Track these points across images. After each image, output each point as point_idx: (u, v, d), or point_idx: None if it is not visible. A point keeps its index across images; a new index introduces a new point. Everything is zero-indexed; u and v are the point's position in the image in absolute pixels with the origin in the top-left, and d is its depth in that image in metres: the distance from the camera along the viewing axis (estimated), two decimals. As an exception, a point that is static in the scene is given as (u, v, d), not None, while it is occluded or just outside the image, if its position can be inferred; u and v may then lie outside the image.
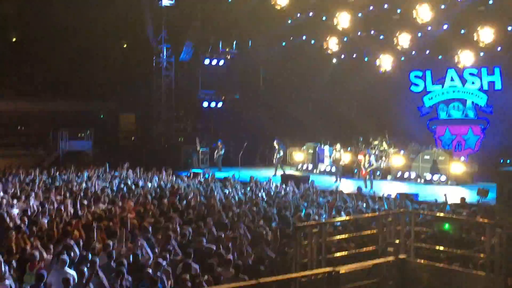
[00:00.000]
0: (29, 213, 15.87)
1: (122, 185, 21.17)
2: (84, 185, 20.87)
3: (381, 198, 19.62)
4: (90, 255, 11.40)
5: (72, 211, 16.04)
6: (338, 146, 26.75)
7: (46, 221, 14.66)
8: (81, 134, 32.46)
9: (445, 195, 17.76)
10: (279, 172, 26.83)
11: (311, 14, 28.08)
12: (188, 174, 25.20)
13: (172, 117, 32.13)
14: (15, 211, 16.04)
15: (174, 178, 23.69)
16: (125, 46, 36.53)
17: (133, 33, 33.73)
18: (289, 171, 28.18)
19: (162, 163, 27.08)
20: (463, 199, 18.57)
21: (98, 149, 33.37)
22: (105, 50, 35.53)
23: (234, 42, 32.73)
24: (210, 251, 12.40)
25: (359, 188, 21.03)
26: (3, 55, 33.68)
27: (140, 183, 22.11)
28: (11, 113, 33.04)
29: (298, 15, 28.41)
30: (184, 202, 17.98)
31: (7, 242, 12.65)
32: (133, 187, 20.81)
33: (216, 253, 12.13)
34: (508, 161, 23.87)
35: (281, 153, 27.77)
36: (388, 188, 22.51)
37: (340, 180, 25.23)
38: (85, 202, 17.13)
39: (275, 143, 27.70)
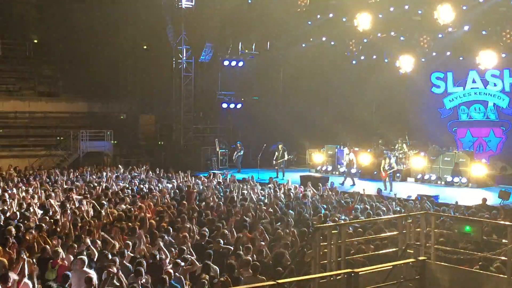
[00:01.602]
0: (50, 213, 16.01)
1: (141, 186, 21.28)
2: (104, 185, 20.99)
3: (401, 200, 19.53)
4: (110, 255, 11.47)
5: (92, 211, 16.15)
6: (346, 149, 26.80)
7: (66, 221, 14.77)
8: (101, 134, 32.65)
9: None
10: (282, 176, 26.73)
11: (331, 15, 27.98)
12: (208, 175, 25.25)
13: (191, 118, 32.20)
14: (37, 210, 16.18)
15: (194, 179, 23.74)
16: (145, 47, 36.71)
17: (153, 35, 33.89)
18: (309, 173, 28.17)
19: (181, 164, 27.13)
20: (484, 199, 18.39)
21: (118, 149, 33.57)
22: (125, 51, 35.76)
23: (254, 44, 32.74)
24: (228, 252, 12.43)
25: (379, 190, 20.94)
26: (24, 56, 34.01)
27: (160, 184, 22.20)
28: (32, 114, 33.34)
29: (318, 16, 28.32)
30: (203, 203, 18.03)
31: (29, 241, 12.79)
32: (153, 187, 20.91)
33: (234, 254, 12.14)
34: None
35: (286, 157, 27.64)
36: (408, 190, 22.39)
37: (354, 182, 25.17)
38: (105, 202, 17.24)
39: (279, 147, 27.62)
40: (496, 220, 15.14)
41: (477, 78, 28.19)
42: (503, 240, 11.05)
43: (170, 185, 21.89)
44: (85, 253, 11.58)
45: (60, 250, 11.79)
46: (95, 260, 11.67)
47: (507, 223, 11.36)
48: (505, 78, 27.39)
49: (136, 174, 24.84)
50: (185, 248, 12.25)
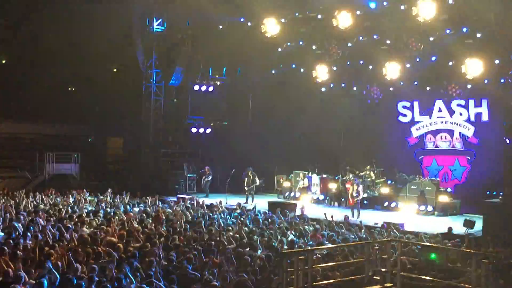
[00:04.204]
0: (13, 235, 15.71)
1: (108, 209, 21.06)
2: (69, 208, 20.71)
3: (368, 227, 19.65)
4: (75, 279, 11.29)
5: (57, 235, 15.89)
6: (301, 174, 27.01)
7: (30, 244, 14.50)
8: (68, 157, 32.30)
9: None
10: (251, 201, 26.75)
11: (301, 43, 28.29)
12: (176, 200, 25.07)
13: (160, 142, 32.08)
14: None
15: (161, 204, 23.59)
16: (115, 70, 36.61)
17: (124, 58, 33.84)
18: (277, 198, 28.24)
19: (149, 188, 26.95)
20: (450, 229, 18.62)
21: (85, 172, 33.23)
22: (95, 74, 35.60)
23: (224, 69, 32.90)
24: (195, 277, 12.34)
25: (346, 217, 21.04)
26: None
27: (126, 207, 22.00)
28: (-1, 135, 32.96)
29: (288, 43, 28.61)
30: (171, 228, 17.89)
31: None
32: (119, 211, 20.70)
33: (201, 279, 12.06)
34: (494, 193, 23.94)
35: (257, 182, 27.66)
36: (375, 217, 22.55)
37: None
38: (70, 225, 16.99)
39: (249, 172, 27.66)
40: (461, 248, 15.31)
41: (443, 107, 28.64)
42: (468, 268, 11.18)
43: (137, 209, 21.70)
44: (47, 277, 11.37)
45: (22, 274, 11.56)
46: (57, 284, 11.46)
47: (471, 251, 11.49)
48: (470, 108, 27.88)
49: (102, 197, 24.57)
50: (151, 273, 12.12)
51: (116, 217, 19.29)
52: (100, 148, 35.57)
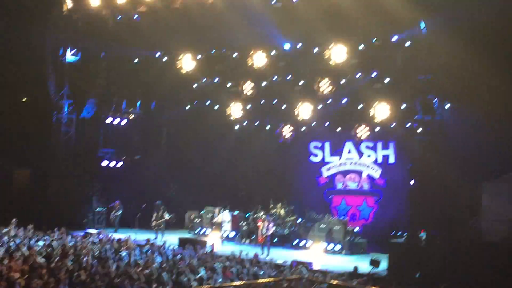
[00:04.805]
0: None
1: (11, 243, 20.23)
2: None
3: (277, 264, 19.77)
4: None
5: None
6: (217, 210, 27.11)
7: None
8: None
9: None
10: (161, 237, 26.44)
11: (216, 79, 28.54)
12: (83, 234, 24.43)
13: (69, 174, 31.23)
14: None
15: (68, 238, 22.90)
16: (24, 100, 35.56)
17: (34, 87, 32.92)
18: (188, 235, 28.04)
19: (56, 221, 26.12)
20: (355, 268, 19.01)
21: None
22: (2, 103, 34.40)
23: (139, 102, 32.63)
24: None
25: (256, 254, 21.08)
26: None
27: (31, 242, 21.21)
28: None
29: (204, 80, 28.79)
30: (77, 263, 17.38)
31: None
32: (23, 245, 19.92)
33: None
34: (399, 233, 24.68)
35: (166, 217, 27.41)
36: (284, 255, 22.74)
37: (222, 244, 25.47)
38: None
39: (159, 207, 27.41)
40: (366, 287, 15.66)
41: (352, 148, 29.47)
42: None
43: (42, 243, 20.96)
44: None
45: None
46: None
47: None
48: (378, 150, 28.83)
49: (5, 230, 23.59)
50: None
51: (19, 251, 18.55)
52: (6, 179, 34.20)
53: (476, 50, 20.33)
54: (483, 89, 21.15)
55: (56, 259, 17.66)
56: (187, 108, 31.55)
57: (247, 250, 22.23)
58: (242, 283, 14.85)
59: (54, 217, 28.37)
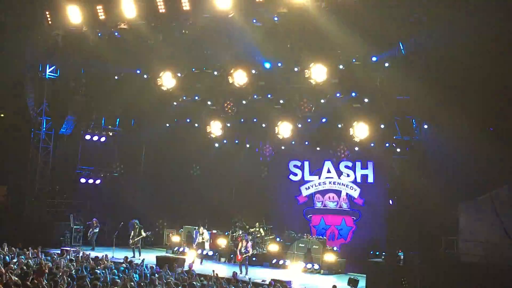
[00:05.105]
0: None
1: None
2: None
3: (255, 284, 19.69)
4: None
5: None
6: (201, 229, 27.00)
7: None
8: None
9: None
10: (138, 255, 26.21)
11: (196, 97, 28.54)
12: (59, 252, 24.12)
13: (46, 191, 30.90)
14: None
15: (44, 256, 22.59)
16: (2, 115, 35.22)
17: (12, 103, 32.62)
18: (165, 253, 27.85)
19: (32, 239, 25.78)
20: (334, 286, 18.97)
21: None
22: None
23: (118, 120, 32.47)
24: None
25: (234, 273, 20.97)
26: None
27: (5, 259, 20.90)
28: None
29: (184, 97, 28.77)
30: (52, 282, 17.15)
31: None
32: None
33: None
34: (377, 252, 24.73)
35: (143, 234, 27.23)
36: (263, 274, 22.66)
37: (201, 262, 25.38)
38: None
39: (135, 225, 27.25)
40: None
41: (331, 168, 29.58)
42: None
43: (16, 261, 20.64)
44: None
45: None
46: None
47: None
48: (357, 169, 28.97)
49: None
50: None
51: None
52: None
53: (453, 72, 20.63)
54: (461, 110, 21.41)
55: (31, 277, 17.41)
56: (167, 125, 31.49)
57: (225, 269, 22.14)
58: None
59: (30, 235, 28.04)
